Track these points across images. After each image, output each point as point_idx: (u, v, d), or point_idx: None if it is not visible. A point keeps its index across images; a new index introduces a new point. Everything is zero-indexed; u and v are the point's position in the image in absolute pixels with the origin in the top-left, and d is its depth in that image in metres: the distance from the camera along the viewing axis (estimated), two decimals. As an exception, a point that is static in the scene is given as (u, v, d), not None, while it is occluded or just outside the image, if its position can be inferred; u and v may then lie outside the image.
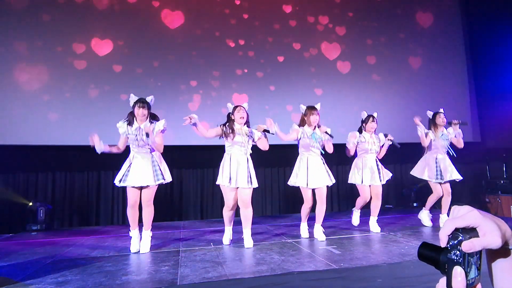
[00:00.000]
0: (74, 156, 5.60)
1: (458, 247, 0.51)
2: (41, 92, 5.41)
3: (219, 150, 6.21)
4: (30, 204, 5.16)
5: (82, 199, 5.65)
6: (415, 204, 6.33)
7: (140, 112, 3.48)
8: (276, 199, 6.36)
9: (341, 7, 6.75)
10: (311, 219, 4.10)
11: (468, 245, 0.51)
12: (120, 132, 3.58)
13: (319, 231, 3.95)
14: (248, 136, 3.72)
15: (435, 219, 4.56)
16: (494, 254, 0.55)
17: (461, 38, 7.19)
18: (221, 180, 3.65)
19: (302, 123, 4.02)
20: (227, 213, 3.78)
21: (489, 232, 0.51)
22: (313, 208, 4.03)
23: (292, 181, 4.03)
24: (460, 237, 0.52)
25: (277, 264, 2.92)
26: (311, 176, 3.90)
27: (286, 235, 4.15)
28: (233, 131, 3.68)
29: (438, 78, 6.92)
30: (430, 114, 4.60)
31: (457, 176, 4.43)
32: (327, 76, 6.49)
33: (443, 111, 4.54)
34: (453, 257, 0.51)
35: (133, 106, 3.52)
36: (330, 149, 4.01)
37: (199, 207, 6.01)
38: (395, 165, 6.77)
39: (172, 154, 5.97)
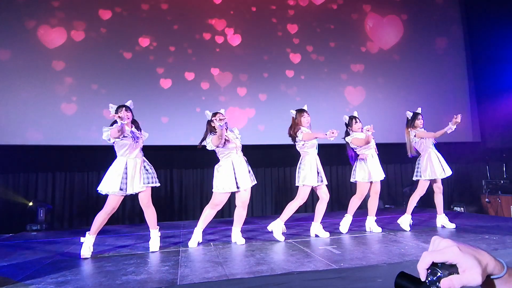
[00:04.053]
0: (74, 156, 5.60)
1: (437, 283, 0.49)
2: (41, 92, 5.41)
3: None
4: (30, 204, 5.16)
5: (82, 199, 5.65)
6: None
7: (126, 115, 3.37)
8: (276, 199, 6.35)
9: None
10: (310, 219, 4.10)
11: (447, 283, 0.49)
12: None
13: (319, 230, 3.98)
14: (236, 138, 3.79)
15: (433, 218, 4.55)
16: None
17: (461, 38, 7.19)
18: (228, 187, 3.61)
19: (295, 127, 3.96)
20: (212, 212, 3.74)
21: (468, 269, 0.49)
22: (310, 208, 4.04)
23: (305, 182, 3.89)
24: (439, 274, 0.50)
25: (277, 264, 2.91)
26: (318, 174, 3.92)
27: (285, 235, 4.14)
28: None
29: (438, 78, 6.92)
30: (409, 114, 4.38)
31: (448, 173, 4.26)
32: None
33: (420, 112, 4.34)
34: None
35: (117, 111, 3.38)
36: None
37: (199, 207, 6.01)
38: (395, 165, 6.78)
39: (172, 154, 5.98)
